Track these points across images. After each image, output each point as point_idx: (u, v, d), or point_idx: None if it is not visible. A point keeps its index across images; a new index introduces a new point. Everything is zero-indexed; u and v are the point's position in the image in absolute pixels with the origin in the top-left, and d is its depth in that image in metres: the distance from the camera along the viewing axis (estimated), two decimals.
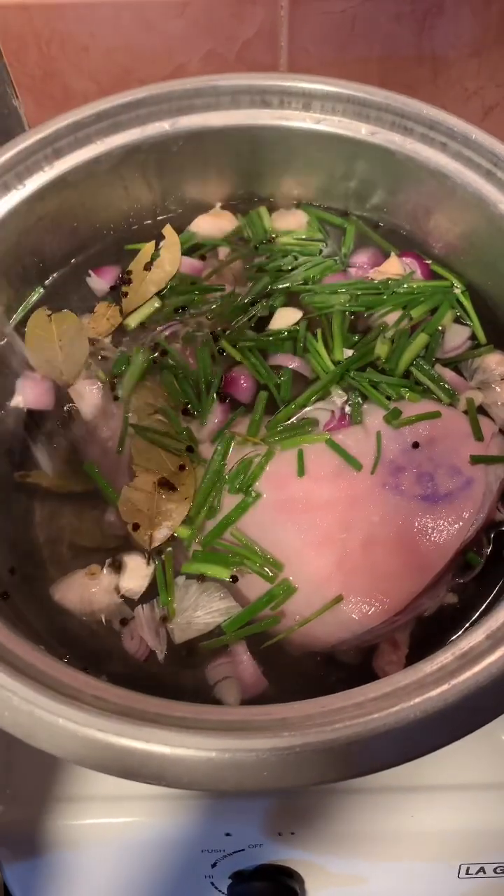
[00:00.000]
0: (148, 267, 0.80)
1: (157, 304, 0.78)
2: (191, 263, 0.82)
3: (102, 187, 0.80)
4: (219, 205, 0.87)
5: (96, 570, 0.64)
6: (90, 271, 0.81)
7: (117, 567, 0.64)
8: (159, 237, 0.82)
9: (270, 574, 0.62)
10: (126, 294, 0.78)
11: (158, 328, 0.76)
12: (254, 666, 0.60)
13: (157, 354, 0.74)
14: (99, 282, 0.80)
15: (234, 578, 0.62)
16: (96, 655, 0.62)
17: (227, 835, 0.62)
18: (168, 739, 0.45)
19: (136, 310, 0.78)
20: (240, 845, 0.63)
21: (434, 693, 0.47)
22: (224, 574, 0.62)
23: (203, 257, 0.83)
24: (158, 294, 0.79)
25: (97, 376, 0.74)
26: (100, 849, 0.63)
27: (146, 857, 0.63)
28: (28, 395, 0.73)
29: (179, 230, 0.83)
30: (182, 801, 0.62)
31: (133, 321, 0.77)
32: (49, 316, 0.77)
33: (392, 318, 0.76)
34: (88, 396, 0.72)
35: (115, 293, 0.80)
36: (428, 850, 0.64)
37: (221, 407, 0.71)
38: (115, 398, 0.72)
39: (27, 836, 0.63)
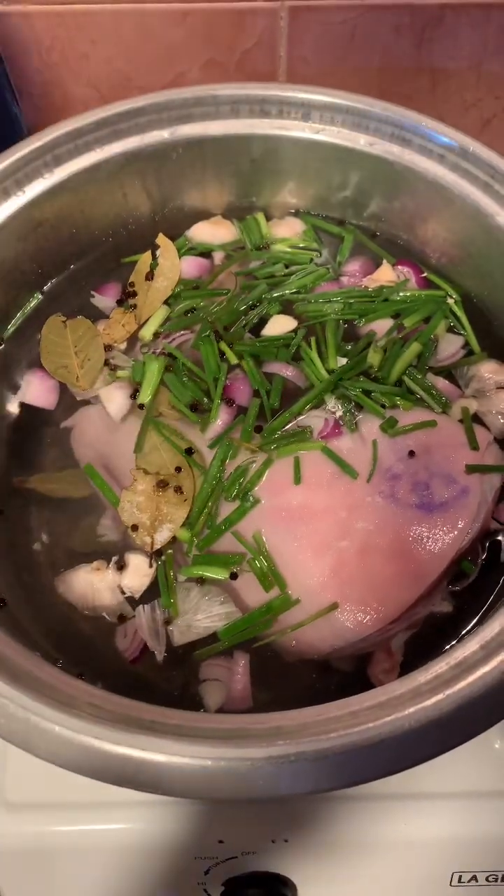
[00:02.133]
0: (149, 277, 0.80)
1: (166, 312, 0.78)
2: (197, 262, 0.82)
3: (102, 194, 0.80)
4: (218, 213, 0.87)
5: (101, 567, 0.64)
6: (93, 292, 0.80)
7: (121, 566, 0.64)
8: (157, 245, 0.82)
9: (270, 580, 0.62)
10: (134, 307, 0.78)
11: (169, 337, 0.76)
12: (247, 682, 0.60)
13: (169, 361, 0.74)
14: (104, 300, 0.80)
15: (234, 576, 0.63)
16: (92, 658, 0.62)
17: (220, 842, 0.62)
18: (163, 748, 0.45)
19: (147, 321, 0.78)
20: (233, 852, 0.63)
21: (429, 703, 0.47)
22: (223, 574, 0.63)
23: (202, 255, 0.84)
24: (165, 302, 0.79)
25: (126, 381, 0.74)
26: (92, 855, 0.63)
27: (139, 864, 0.63)
28: (32, 390, 0.74)
29: (176, 238, 0.84)
30: (175, 808, 0.62)
31: (147, 333, 0.77)
32: (64, 322, 0.77)
33: (385, 327, 0.77)
34: (118, 400, 0.72)
35: (121, 307, 0.79)
36: (420, 858, 0.64)
37: (228, 409, 0.71)
38: (140, 406, 0.71)
39: (21, 842, 0.62)
